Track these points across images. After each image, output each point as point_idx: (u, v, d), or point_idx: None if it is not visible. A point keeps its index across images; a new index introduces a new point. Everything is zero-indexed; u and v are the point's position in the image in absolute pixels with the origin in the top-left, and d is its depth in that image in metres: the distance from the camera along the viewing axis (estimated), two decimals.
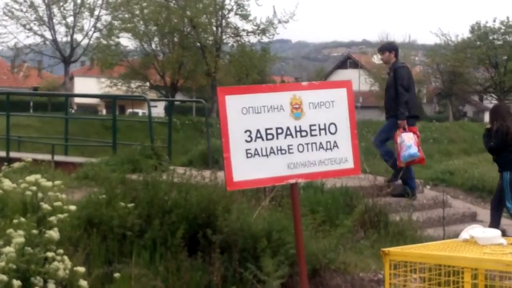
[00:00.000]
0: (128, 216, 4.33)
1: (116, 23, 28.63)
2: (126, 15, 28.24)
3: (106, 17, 29.32)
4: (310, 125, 3.55)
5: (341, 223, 4.89)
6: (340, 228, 4.82)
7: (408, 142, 7.00)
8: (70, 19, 28.98)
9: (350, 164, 3.67)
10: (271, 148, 3.43)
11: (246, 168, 3.36)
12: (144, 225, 4.38)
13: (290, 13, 27.45)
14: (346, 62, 59.61)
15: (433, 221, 6.92)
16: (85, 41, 29.78)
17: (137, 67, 30.24)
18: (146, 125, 11.65)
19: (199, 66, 28.73)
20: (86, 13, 29.17)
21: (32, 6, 28.18)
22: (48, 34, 28.88)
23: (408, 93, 7.23)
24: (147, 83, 32.01)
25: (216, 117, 19.48)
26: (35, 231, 3.59)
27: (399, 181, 7.36)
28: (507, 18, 37.35)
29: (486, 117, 32.23)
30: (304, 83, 3.70)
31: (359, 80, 42.51)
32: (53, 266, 3.46)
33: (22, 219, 3.66)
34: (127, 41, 29.69)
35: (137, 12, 28.00)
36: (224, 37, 28.62)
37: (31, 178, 4.03)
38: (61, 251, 3.58)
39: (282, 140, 3.47)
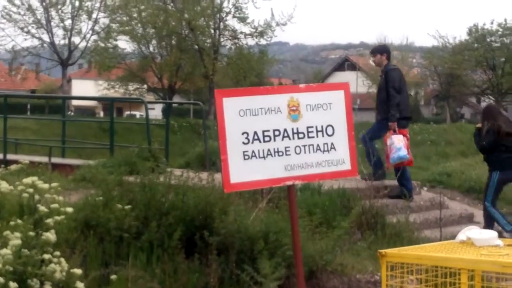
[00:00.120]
0: (125, 218, 4.32)
1: (114, 25, 28.65)
2: (124, 18, 28.26)
3: (104, 20, 29.43)
4: (308, 127, 3.55)
5: (338, 225, 4.89)
6: (337, 230, 4.82)
7: (398, 144, 7.02)
8: (68, 22, 29.08)
9: (347, 166, 3.66)
10: (268, 150, 3.43)
11: (243, 170, 3.35)
12: (141, 227, 4.37)
13: (288, 16, 27.49)
14: (344, 64, 59.67)
15: (430, 223, 6.93)
16: (83, 44, 29.89)
17: (135, 69, 30.23)
18: (143, 127, 11.66)
19: (197, 69, 28.73)
20: (84, 16, 29.25)
21: (30, 9, 28.23)
22: (46, 37, 28.97)
23: (399, 95, 7.25)
24: (145, 86, 32.00)
25: (213, 119, 19.49)
26: (32, 233, 3.59)
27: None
28: (505, 20, 37.46)
29: None
30: (302, 85, 3.70)
31: (357, 82, 42.59)
32: (50, 268, 3.45)
33: (19, 221, 3.65)
34: (125, 44, 29.74)
35: (135, 15, 28.02)
36: (222, 39, 28.63)
37: (28, 180, 4.03)
38: (58, 253, 3.57)
39: (279, 142, 3.46)
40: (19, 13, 28.10)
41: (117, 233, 4.29)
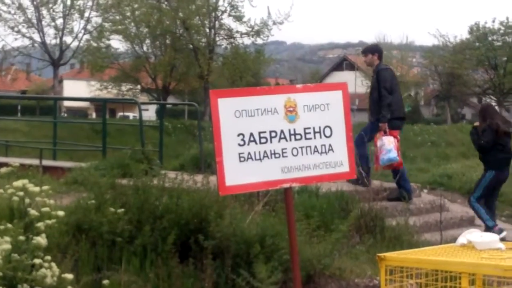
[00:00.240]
0: (118, 222, 4.29)
1: (106, 25, 28.55)
2: (117, 17, 28.17)
3: (96, 19, 29.30)
4: (305, 128, 3.50)
5: (336, 228, 4.87)
6: (335, 233, 4.79)
7: (388, 146, 6.99)
8: (59, 21, 28.91)
9: (345, 168, 3.62)
10: (265, 151, 3.38)
11: (239, 172, 3.30)
12: (134, 231, 4.33)
13: (285, 14, 27.42)
14: (342, 64, 59.68)
15: (430, 226, 6.87)
16: (75, 44, 29.73)
17: (128, 69, 30.15)
18: (137, 129, 11.60)
19: (192, 69, 28.68)
20: (76, 15, 29.09)
21: (20, 8, 28.05)
22: (36, 37, 28.80)
23: (391, 96, 7.20)
24: (138, 86, 31.95)
25: (208, 121, 19.45)
26: (22, 237, 3.53)
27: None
28: (507, 18, 37.26)
29: None
30: (299, 86, 3.65)
31: (355, 82, 42.52)
32: (41, 273, 3.40)
33: (9, 225, 3.60)
34: (118, 43, 29.80)
35: (128, 13, 27.93)
36: (217, 39, 28.58)
37: (19, 183, 3.96)
38: (48, 257, 3.52)
39: (276, 144, 3.41)
40: (9, 12, 27.95)
41: (109, 237, 4.25)
